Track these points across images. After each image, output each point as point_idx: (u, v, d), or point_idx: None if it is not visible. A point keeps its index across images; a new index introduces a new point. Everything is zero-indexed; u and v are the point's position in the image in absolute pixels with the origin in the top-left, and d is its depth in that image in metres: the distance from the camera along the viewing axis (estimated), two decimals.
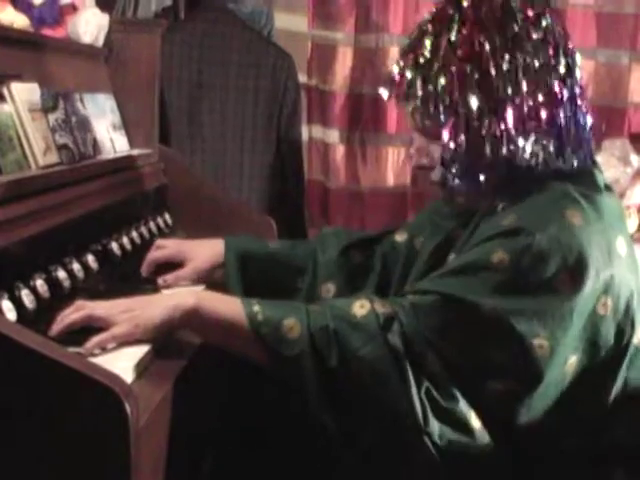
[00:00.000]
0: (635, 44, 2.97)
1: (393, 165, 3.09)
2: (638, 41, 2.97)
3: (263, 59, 2.71)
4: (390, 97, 1.36)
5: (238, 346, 1.25)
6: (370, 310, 1.22)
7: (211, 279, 1.62)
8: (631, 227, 2.82)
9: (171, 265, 1.64)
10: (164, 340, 1.28)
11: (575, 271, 1.20)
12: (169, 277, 1.60)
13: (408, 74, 1.31)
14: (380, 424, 1.22)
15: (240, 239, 1.67)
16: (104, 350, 1.22)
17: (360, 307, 1.23)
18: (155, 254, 1.66)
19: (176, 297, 1.29)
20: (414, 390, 1.19)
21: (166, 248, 1.66)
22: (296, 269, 1.63)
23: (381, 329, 1.20)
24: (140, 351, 1.24)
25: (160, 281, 1.59)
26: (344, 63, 3.07)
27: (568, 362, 1.23)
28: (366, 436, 1.23)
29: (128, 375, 1.17)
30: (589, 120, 1.33)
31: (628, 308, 1.27)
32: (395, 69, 1.34)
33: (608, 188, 1.33)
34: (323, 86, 3.08)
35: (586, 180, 1.30)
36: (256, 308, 1.22)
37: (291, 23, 3.08)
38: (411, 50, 1.32)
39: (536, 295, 1.20)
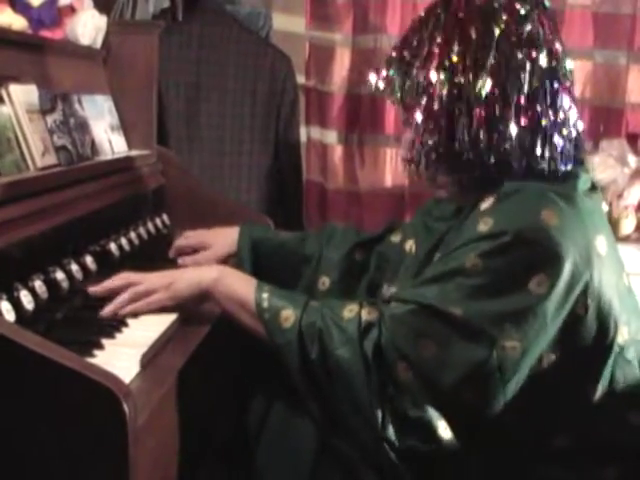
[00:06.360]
0: (633, 44, 2.96)
1: (391, 166, 3.08)
2: (635, 41, 2.96)
3: (261, 60, 2.71)
4: (375, 91, 1.38)
5: (245, 322, 1.37)
6: (356, 315, 1.29)
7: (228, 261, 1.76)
8: (629, 227, 2.82)
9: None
10: (194, 308, 1.44)
11: (551, 272, 1.20)
12: (188, 259, 1.78)
13: (392, 69, 1.33)
14: (346, 422, 1.27)
15: (254, 227, 1.81)
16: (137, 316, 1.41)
17: (349, 311, 1.30)
18: (181, 241, 1.85)
19: (203, 271, 1.47)
20: (377, 396, 1.24)
21: (190, 238, 1.85)
22: (303, 259, 1.72)
23: (359, 334, 1.26)
24: (145, 343, 1.27)
25: (180, 261, 1.79)
26: (342, 64, 3.05)
27: (545, 360, 1.24)
28: (342, 426, 1.29)
29: (130, 371, 1.18)
30: (573, 123, 1.31)
31: (610, 308, 1.26)
32: (383, 63, 1.36)
33: (593, 188, 1.33)
34: (321, 87, 3.07)
35: (566, 180, 1.29)
36: (265, 295, 1.34)
37: (289, 24, 3.07)
38: (399, 45, 1.34)
39: (510, 297, 1.21)
